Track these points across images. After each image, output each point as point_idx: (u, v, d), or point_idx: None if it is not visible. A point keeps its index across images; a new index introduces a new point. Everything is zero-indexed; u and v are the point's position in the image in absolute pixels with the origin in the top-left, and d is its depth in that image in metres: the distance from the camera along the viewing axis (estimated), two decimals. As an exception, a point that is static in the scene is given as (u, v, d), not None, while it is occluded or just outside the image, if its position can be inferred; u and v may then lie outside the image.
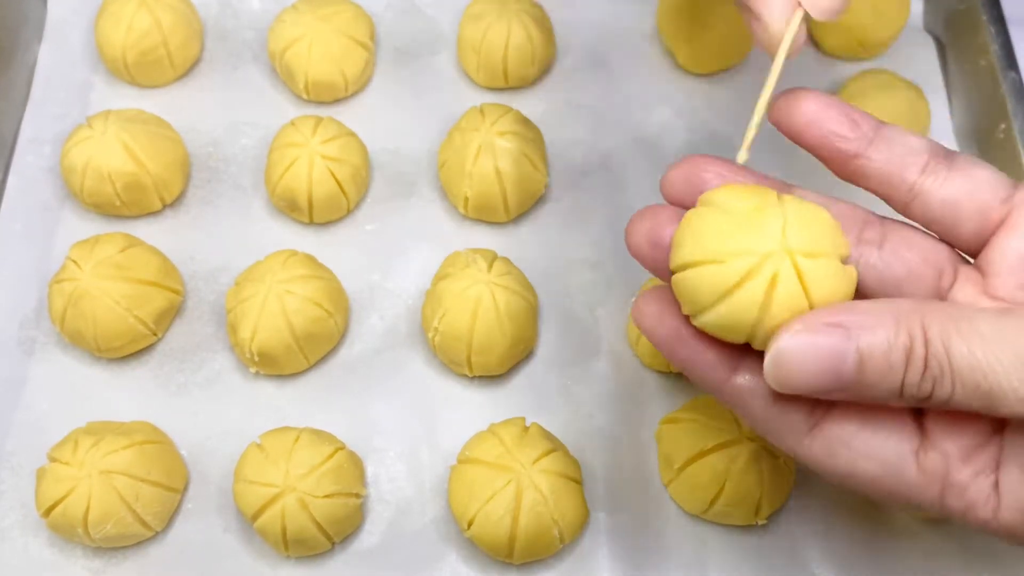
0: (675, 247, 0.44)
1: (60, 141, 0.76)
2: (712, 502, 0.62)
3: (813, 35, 0.79)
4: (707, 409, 0.63)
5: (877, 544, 0.65)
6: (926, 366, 0.39)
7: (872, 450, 0.42)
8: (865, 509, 0.65)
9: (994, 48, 0.77)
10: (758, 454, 0.61)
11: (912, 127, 0.69)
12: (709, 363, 0.45)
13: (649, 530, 0.65)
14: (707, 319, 0.43)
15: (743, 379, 0.44)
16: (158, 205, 0.74)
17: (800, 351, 0.41)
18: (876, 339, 0.40)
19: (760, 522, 0.63)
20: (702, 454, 0.62)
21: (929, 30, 0.84)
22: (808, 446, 0.43)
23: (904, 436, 0.42)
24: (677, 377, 0.69)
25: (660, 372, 0.69)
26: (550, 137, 0.77)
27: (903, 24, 0.80)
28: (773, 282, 0.41)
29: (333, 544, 0.63)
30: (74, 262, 0.67)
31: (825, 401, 0.43)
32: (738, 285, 0.41)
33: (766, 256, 0.41)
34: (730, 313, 0.42)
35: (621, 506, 0.66)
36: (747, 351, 0.44)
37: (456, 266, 0.68)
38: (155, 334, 0.69)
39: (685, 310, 0.44)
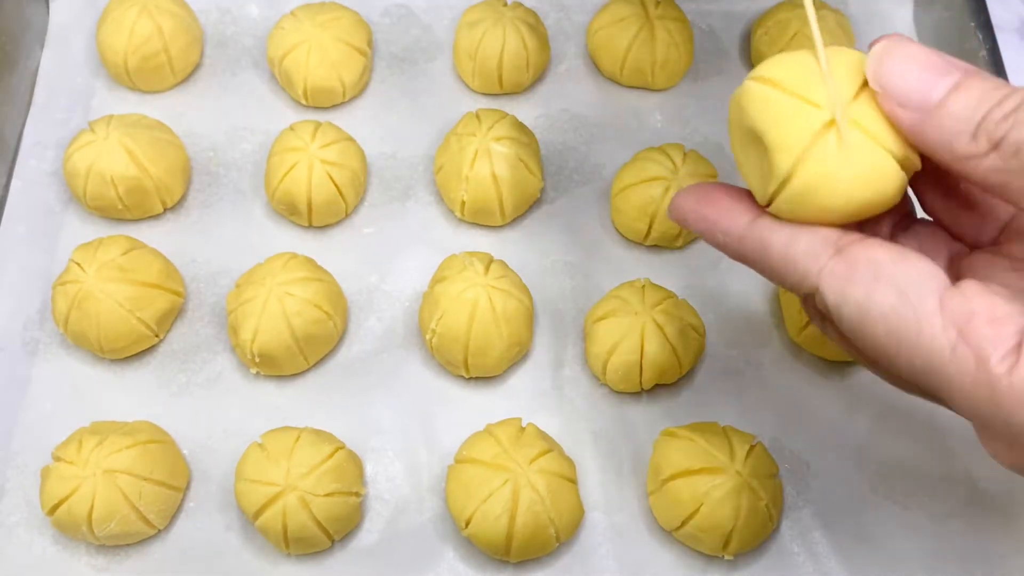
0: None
1: (63, 145, 0.77)
2: (684, 522, 0.62)
3: None
4: (707, 433, 0.64)
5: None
6: (1017, 108, 0.38)
7: (896, 277, 0.39)
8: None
9: (982, 54, 0.78)
10: (741, 488, 0.61)
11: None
12: (733, 212, 0.44)
13: (644, 530, 0.66)
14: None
15: (765, 219, 0.43)
16: (159, 208, 0.75)
17: (910, 51, 0.40)
18: (982, 77, 0.39)
19: (727, 557, 0.63)
20: (687, 473, 0.62)
21: (917, 36, 0.85)
22: (831, 269, 0.41)
23: (931, 274, 0.39)
24: (652, 393, 0.70)
25: (632, 394, 0.70)
26: (545, 142, 0.78)
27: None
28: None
29: (333, 542, 0.64)
30: (77, 264, 0.68)
31: (851, 235, 0.42)
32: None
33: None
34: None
35: (616, 506, 0.67)
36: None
37: (453, 269, 0.68)
38: (157, 335, 0.70)
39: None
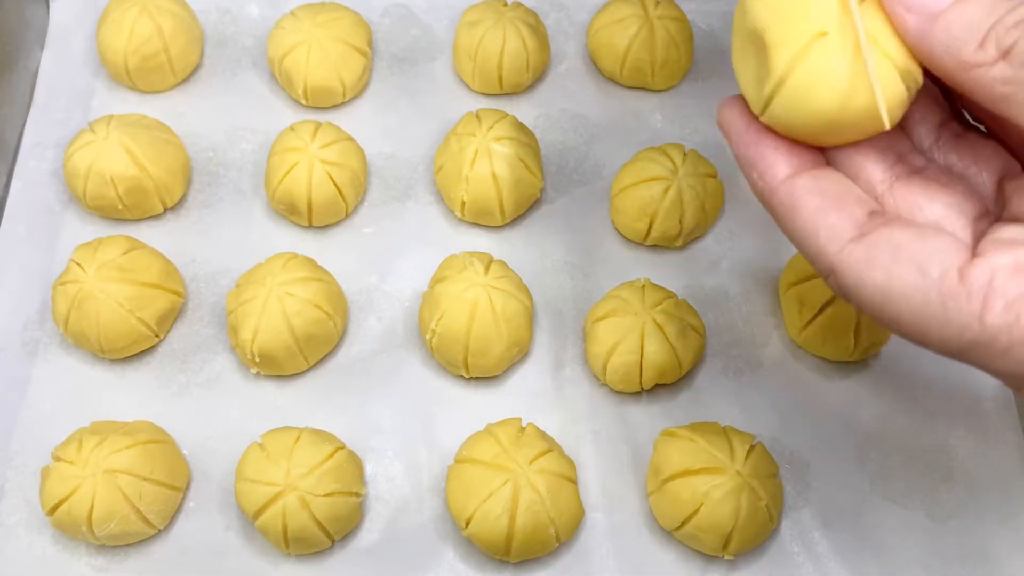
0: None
1: (63, 145, 0.78)
2: (684, 522, 0.62)
3: None
4: (708, 433, 0.64)
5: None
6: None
7: (915, 258, 0.39)
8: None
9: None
10: (741, 489, 0.61)
11: None
12: (771, 160, 0.43)
13: (644, 530, 0.66)
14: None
15: (803, 179, 0.42)
16: (159, 208, 0.75)
17: None
18: None
19: (727, 557, 0.63)
20: (688, 473, 0.62)
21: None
22: (848, 253, 0.40)
23: (953, 250, 0.39)
24: (652, 393, 0.70)
25: (632, 394, 0.70)
26: (545, 142, 0.78)
27: None
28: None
29: (333, 542, 0.64)
30: (77, 264, 0.68)
31: (877, 219, 0.41)
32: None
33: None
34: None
35: (616, 506, 0.67)
36: (810, 160, 0.43)
37: (453, 269, 0.69)
38: (157, 335, 0.70)
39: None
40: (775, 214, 0.44)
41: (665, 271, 0.74)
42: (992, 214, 0.43)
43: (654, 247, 0.75)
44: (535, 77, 0.82)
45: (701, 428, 0.65)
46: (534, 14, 0.81)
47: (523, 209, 0.76)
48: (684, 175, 0.72)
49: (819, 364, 0.71)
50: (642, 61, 0.80)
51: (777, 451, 0.67)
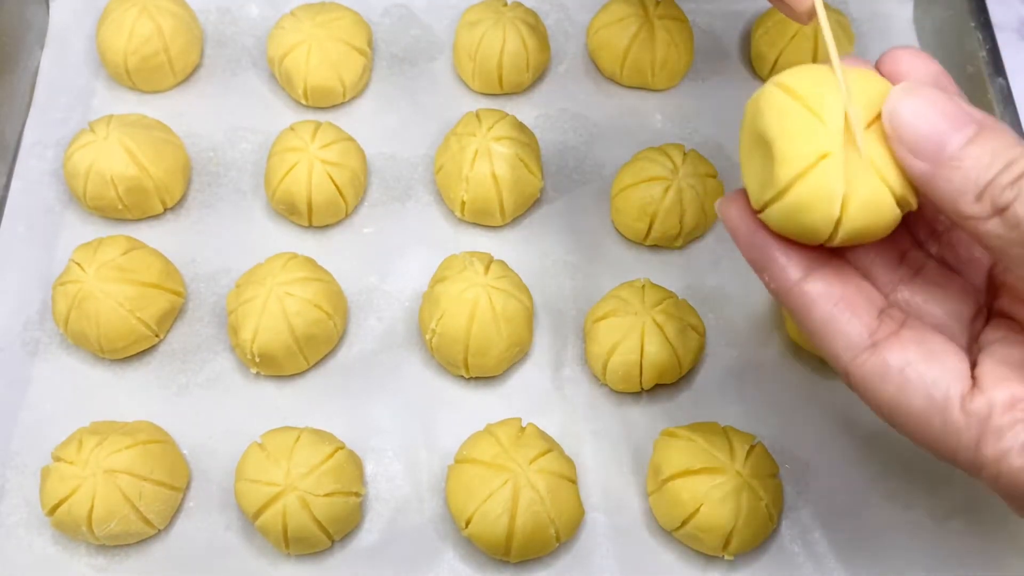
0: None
1: (63, 145, 0.78)
2: (684, 522, 0.62)
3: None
4: (708, 433, 0.64)
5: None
6: (1021, 178, 0.39)
7: (924, 381, 0.42)
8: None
9: (981, 55, 0.78)
10: (741, 489, 0.61)
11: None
12: (782, 263, 0.45)
13: (644, 530, 0.66)
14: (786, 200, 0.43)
15: (814, 283, 0.45)
16: (159, 208, 0.75)
17: (929, 98, 0.41)
18: (997, 133, 0.41)
19: (727, 557, 0.63)
20: (687, 473, 0.62)
21: (917, 36, 0.85)
22: (862, 364, 0.44)
23: (957, 377, 0.42)
24: (652, 393, 0.70)
25: (632, 394, 0.70)
26: (545, 142, 0.78)
27: None
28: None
29: (333, 542, 0.64)
30: (77, 264, 0.68)
31: (888, 325, 0.44)
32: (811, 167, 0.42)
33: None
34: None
35: (616, 506, 0.67)
36: (818, 259, 0.45)
37: (453, 269, 0.69)
38: (157, 335, 0.70)
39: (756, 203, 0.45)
40: (790, 312, 0.46)
41: (665, 271, 0.74)
42: (984, 311, 0.47)
43: (654, 247, 0.75)
44: (535, 77, 0.82)
45: (701, 428, 0.65)
46: (534, 14, 0.81)
47: (523, 209, 0.76)
48: (684, 175, 0.72)
49: (819, 364, 0.71)
50: (642, 61, 0.79)
51: (777, 451, 0.67)
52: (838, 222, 0.42)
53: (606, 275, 0.74)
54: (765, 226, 0.46)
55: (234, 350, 0.70)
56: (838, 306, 0.44)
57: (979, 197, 0.40)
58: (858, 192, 0.41)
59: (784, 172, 0.42)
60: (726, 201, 0.48)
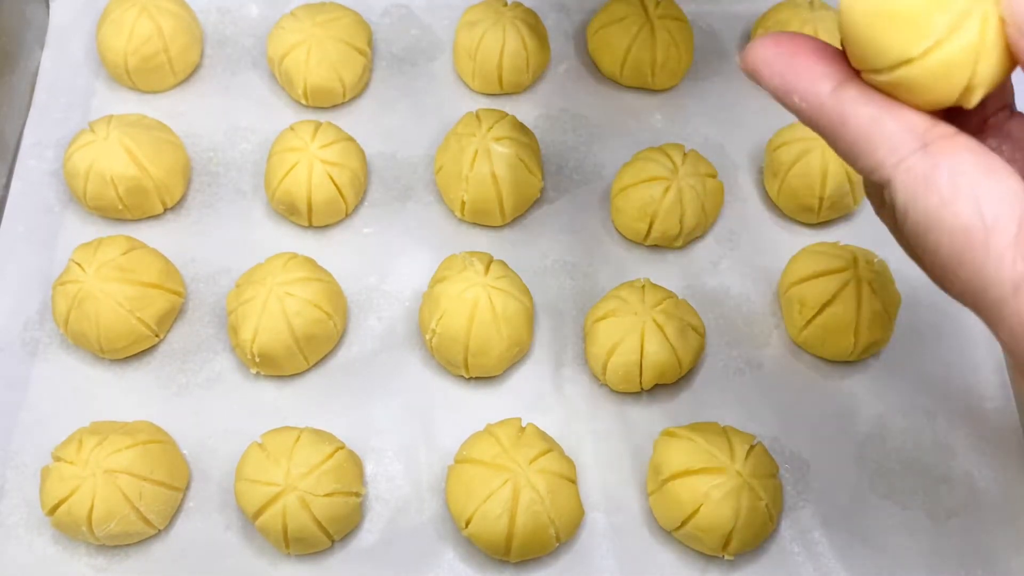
0: None
1: (63, 145, 0.78)
2: (684, 522, 0.62)
3: None
4: (708, 433, 0.64)
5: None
6: None
7: (975, 194, 0.36)
8: None
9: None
10: (741, 489, 0.61)
11: None
12: (812, 75, 0.39)
13: (644, 530, 0.66)
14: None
15: (851, 89, 0.38)
16: (159, 208, 0.75)
17: None
18: None
19: (727, 557, 0.63)
20: (687, 473, 0.62)
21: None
22: (910, 166, 0.37)
23: (1014, 199, 0.36)
24: (652, 393, 0.70)
25: (632, 394, 0.70)
26: (545, 142, 0.78)
27: None
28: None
29: (333, 542, 0.64)
30: (77, 264, 0.68)
31: (940, 128, 0.38)
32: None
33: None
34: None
35: (616, 506, 0.67)
36: (849, 69, 0.39)
37: (453, 269, 0.69)
38: (157, 335, 0.70)
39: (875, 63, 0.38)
40: (822, 132, 0.40)
41: (665, 271, 0.74)
42: None
43: (654, 247, 0.75)
44: (535, 77, 0.82)
45: (701, 428, 0.65)
46: (534, 14, 0.81)
47: (523, 209, 0.76)
48: (684, 175, 0.72)
49: (819, 364, 0.71)
50: (642, 61, 0.80)
51: (777, 451, 0.67)
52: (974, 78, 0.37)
53: (606, 275, 0.74)
54: (790, 42, 0.40)
55: (234, 350, 0.70)
56: (880, 109, 0.38)
57: None
58: (992, 55, 0.36)
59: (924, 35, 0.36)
60: (750, 45, 0.42)
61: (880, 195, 0.40)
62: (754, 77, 0.42)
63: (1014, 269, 0.35)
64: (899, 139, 0.37)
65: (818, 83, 0.39)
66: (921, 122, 0.37)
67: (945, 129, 0.38)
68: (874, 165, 0.38)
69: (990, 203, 0.35)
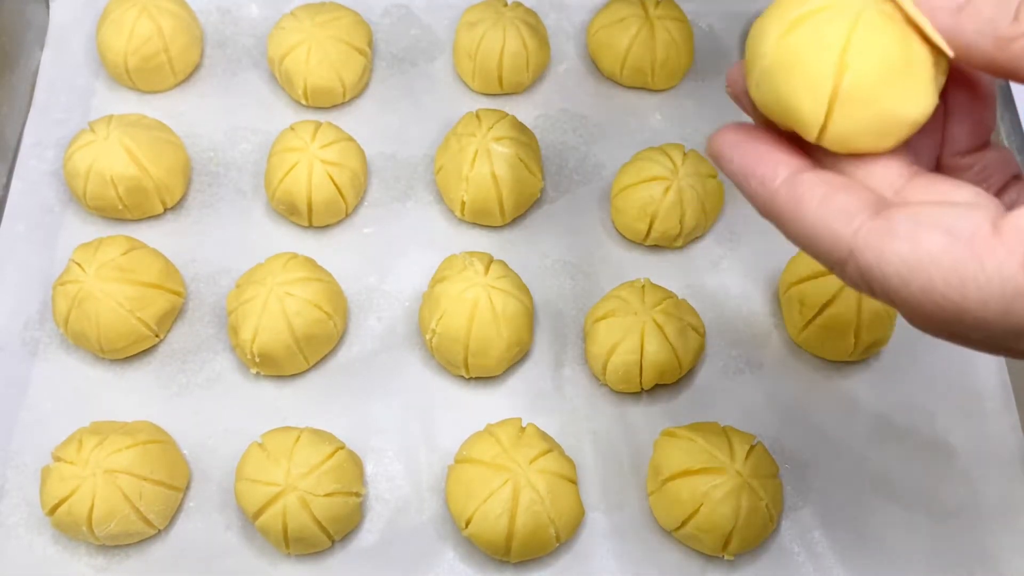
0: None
1: (63, 145, 0.78)
2: (684, 522, 0.62)
3: None
4: (708, 433, 0.64)
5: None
6: None
7: (942, 221, 0.35)
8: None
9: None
10: (741, 489, 0.62)
11: None
12: (772, 161, 0.40)
13: (644, 530, 0.66)
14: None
15: (807, 174, 0.39)
16: (160, 208, 0.75)
17: None
18: None
19: (727, 557, 0.63)
20: (687, 473, 0.62)
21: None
22: (868, 228, 0.36)
23: (979, 201, 0.36)
24: (652, 393, 0.70)
25: (632, 394, 0.70)
26: (545, 142, 0.78)
27: None
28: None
29: (333, 542, 0.64)
30: (77, 264, 0.68)
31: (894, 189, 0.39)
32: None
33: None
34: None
35: (616, 506, 0.67)
36: (806, 160, 0.40)
37: (453, 269, 0.69)
38: (157, 335, 0.70)
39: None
40: (780, 218, 0.40)
41: (665, 271, 0.74)
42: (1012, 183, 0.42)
43: (654, 247, 0.75)
44: (535, 77, 0.82)
45: (701, 428, 0.65)
46: (534, 14, 0.81)
47: (523, 209, 0.76)
48: (684, 175, 0.72)
49: (819, 364, 0.71)
50: (642, 61, 0.80)
51: (777, 451, 0.67)
52: (841, 71, 0.37)
53: (606, 275, 0.74)
54: (755, 131, 0.42)
55: (234, 350, 0.70)
56: (833, 188, 0.38)
57: (1016, 16, 0.36)
58: (870, 43, 0.36)
59: (775, 26, 0.38)
60: (719, 131, 0.43)
61: (853, 279, 0.38)
62: (718, 161, 0.43)
63: (1012, 256, 0.34)
64: (853, 209, 0.37)
65: (777, 168, 0.40)
66: (874, 199, 0.38)
67: (896, 200, 0.38)
68: (831, 239, 0.38)
69: (956, 223, 0.35)
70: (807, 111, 0.38)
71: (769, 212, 0.41)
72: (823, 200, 0.38)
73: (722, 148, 0.43)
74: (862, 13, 0.37)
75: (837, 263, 0.38)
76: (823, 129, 0.38)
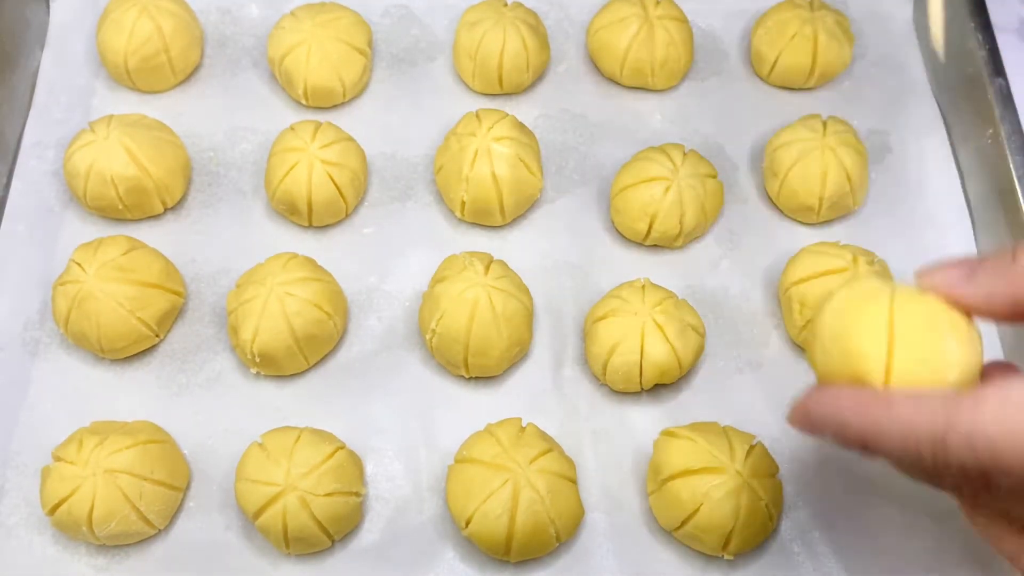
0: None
1: (63, 145, 0.78)
2: (684, 522, 0.62)
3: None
4: (708, 433, 0.64)
5: None
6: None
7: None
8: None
9: (981, 55, 0.78)
10: (741, 488, 0.62)
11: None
12: (856, 394, 0.48)
13: (644, 530, 0.66)
14: None
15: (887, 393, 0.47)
16: (160, 208, 0.75)
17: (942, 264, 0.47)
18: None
19: (727, 557, 0.63)
20: (687, 473, 0.62)
21: (917, 37, 0.85)
22: (956, 421, 0.41)
23: None
24: (652, 393, 0.70)
25: (632, 394, 0.70)
26: (545, 142, 0.78)
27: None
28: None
29: (333, 542, 0.64)
30: (78, 264, 0.68)
31: None
32: None
33: None
34: None
35: (616, 506, 0.67)
36: None
37: (453, 269, 0.69)
38: (157, 335, 0.70)
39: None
40: (870, 441, 0.47)
41: (665, 271, 0.74)
42: None
43: (654, 247, 0.75)
44: (535, 77, 0.82)
45: (701, 428, 0.65)
46: (534, 14, 0.81)
47: (523, 209, 0.76)
48: (684, 175, 0.72)
49: (819, 364, 0.71)
50: (642, 61, 0.80)
51: (777, 451, 0.67)
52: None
53: (606, 275, 0.74)
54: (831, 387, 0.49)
55: (234, 350, 0.70)
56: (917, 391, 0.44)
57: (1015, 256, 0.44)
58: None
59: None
60: (816, 393, 0.50)
61: (961, 483, 0.43)
62: (802, 427, 0.50)
63: None
64: (936, 404, 0.42)
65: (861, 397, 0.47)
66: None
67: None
68: (923, 435, 0.42)
69: None
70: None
71: (858, 439, 0.48)
72: (911, 399, 0.43)
73: (807, 412, 0.49)
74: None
75: (927, 453, 0.43)
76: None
